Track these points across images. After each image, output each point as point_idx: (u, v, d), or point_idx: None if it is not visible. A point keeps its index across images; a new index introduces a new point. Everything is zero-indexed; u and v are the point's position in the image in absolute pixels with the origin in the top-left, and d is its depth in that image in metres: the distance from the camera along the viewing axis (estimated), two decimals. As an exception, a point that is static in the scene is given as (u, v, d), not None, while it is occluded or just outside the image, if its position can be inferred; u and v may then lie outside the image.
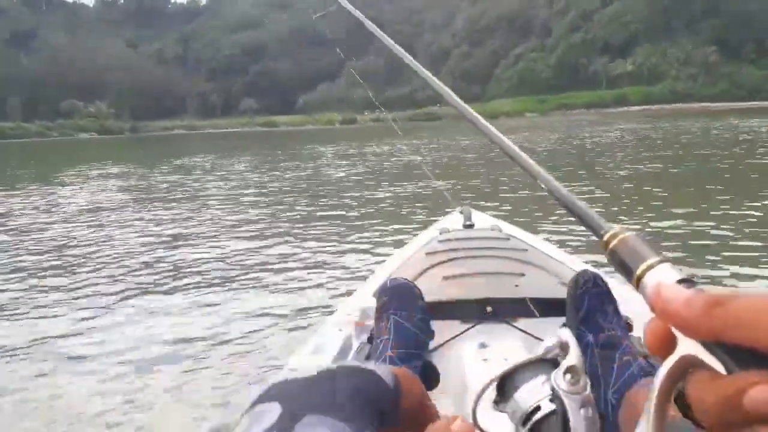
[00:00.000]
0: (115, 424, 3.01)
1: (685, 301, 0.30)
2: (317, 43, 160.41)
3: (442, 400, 1.69)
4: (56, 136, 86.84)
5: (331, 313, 2.32)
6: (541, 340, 2.47)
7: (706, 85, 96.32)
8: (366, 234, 7.49)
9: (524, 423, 0.43)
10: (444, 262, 2.50)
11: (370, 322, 1.89)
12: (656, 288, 0.33)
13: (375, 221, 8.39)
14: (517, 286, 2.24)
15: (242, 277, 5.68)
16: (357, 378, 0.31)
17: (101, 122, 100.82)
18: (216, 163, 21.55)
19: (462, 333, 2.04)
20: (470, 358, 1.88)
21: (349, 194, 11.31)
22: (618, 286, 1.60)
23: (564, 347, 0.44)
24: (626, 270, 0.37)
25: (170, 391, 3.34)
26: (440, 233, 2.98)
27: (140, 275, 5.96)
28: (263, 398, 0.29)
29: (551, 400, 0.42)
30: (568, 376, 0.41)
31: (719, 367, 0.29)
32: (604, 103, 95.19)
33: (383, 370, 0.32)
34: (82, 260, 6.73)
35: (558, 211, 7.99)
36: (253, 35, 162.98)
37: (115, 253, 6.99)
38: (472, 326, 2.06)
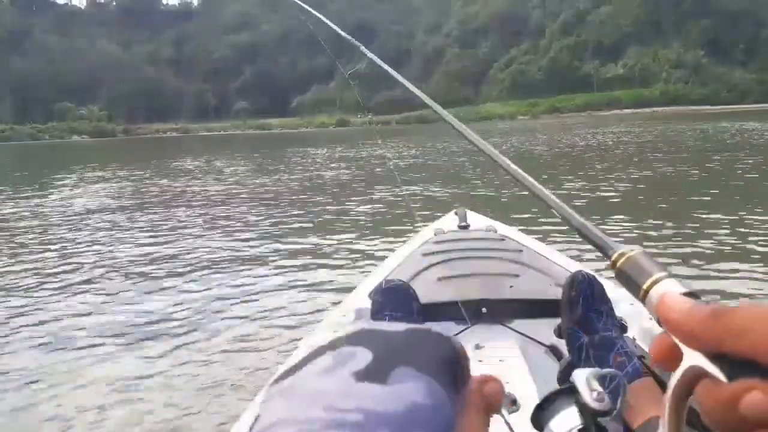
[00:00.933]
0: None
1: (687, 311, 0.32)
2: (310, 44, 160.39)
3: None
4: (48, 138, 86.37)
5: (326, 314, 2.33)
6: (536, 341, 2.52)
7: (696, 88, 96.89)
8: (362, 235, 7.49)
9: None
10: (439, 263, 2.52)
11: None
12: (660, 299, 0.35)
13: (371, 222, 8.39)
14: (511, 287, 2.25)
15: (235, 281, 5.67)
16: (444, 341, 0.31)
17: (94, 124, 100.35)
18: (210, 167, 21.50)
19: (457, 334, 2.05)
20: None
21: (344, 196, 11.31)
22: (612, 287, 1.61)
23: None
24: (634, 286, 0.39)
25: (162, 391, 3.34)
26: (435, 234, 2.99)
27: (130, 279, 5.95)
28: (349, 341, 0.27)
29: (580, 431, 0.45)
30: (595, 393, 0.46)
31: (722, 377, 0.30)
32: (596, 106, 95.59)
33: (456, 340, 0.31)
34: (69, 265, 6.71)
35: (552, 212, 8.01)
36: (246, 37, 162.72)
37: (102, 256, 6.97)
38: (467, 327, 2.07)
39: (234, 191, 13.03)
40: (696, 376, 0.31)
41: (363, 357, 0.27)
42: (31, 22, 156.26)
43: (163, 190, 13.80)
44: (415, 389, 0.25)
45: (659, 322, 0.34)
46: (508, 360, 1.88)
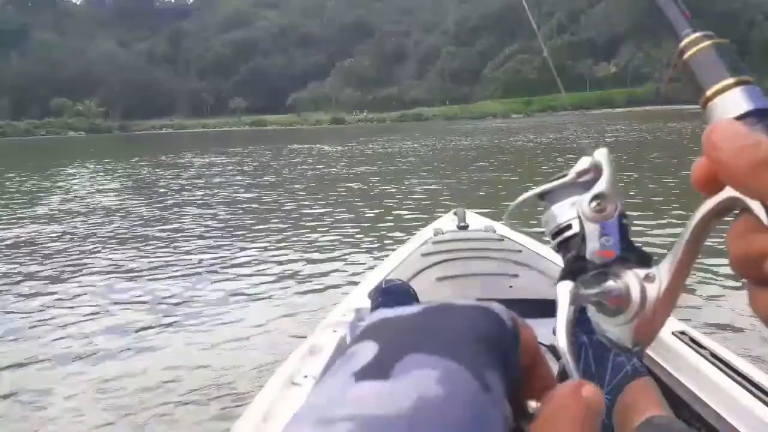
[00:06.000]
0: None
1: (735, 150, 0.26)
2: (307, 41, 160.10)
3: None
4: (44, 134, 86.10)
5: (326, 314, 2.37)
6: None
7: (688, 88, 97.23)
8: (362, 234, 7.54)
9: (554, 237, 0.43)
10: (438, 263, 2.56)
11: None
12: (713, 124, 0.28)
13: (371, 221, 8.44)
14: (511, 287, 2.30)
15: (233, 279, 5.72)
16: (470, 313, 0.25)
17: (90, 121, 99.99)
18: (208, 162, 21.48)
19: None
20: None
21: (342, 194, 11.34)
22: None
23: (598, 170, 0.41)
24: (696, 88, 0.32)
25: (157, 387, 3.40)
26: (435, 234, 3.03)
27: (139, 284, 5.99)
28: (356, 340, 0.24)
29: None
30: (594, 203, 0.39)
31: (765, 220, 0.26)
32: (589, 105, 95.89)
33: (498, 308, 0.26)
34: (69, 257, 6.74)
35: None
36: (243, 34, 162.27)
37: (99, 255, 7.01)
38: None
39: (232, 188, 13.05)
40: (734, 206, 0.28)
41: (367, 352, 0.23)
42: (27, 19, 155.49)
43: (162, 186, 13.81)
44: (422, 379, 0.20)
45: (703, 145, 0.28)
46: None
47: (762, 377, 1.36)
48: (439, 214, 3.91)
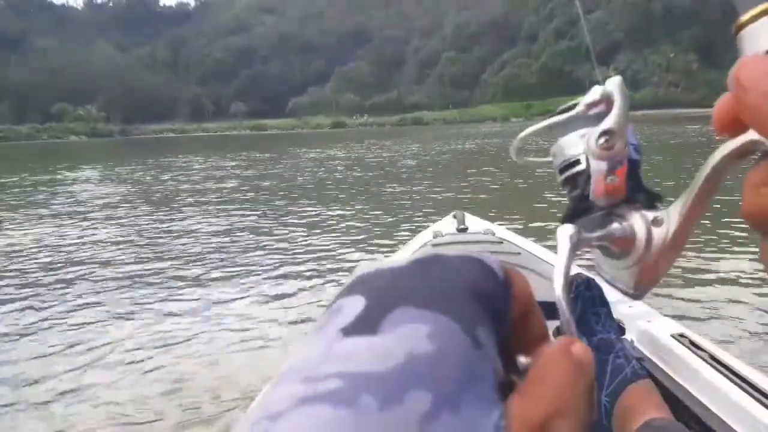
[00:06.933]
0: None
1: (763, 93, 0.23)
2: (306, 47, 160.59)
3: None
4: (46, 138, 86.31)
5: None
6: None
7: (686, 92, 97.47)
8: (361, 237, 7.55)
9: (561, 172, 0.41)
10: None
11: None
12: (742, 59, 0.25)
13: (370, 224, 8.45)
14: None
15: (233, 283, 5.73)
16: (462, 266, 0.24)
17: (91, 125, 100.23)
18: (209, 167, 21.50)
19: None
20: None
21: (341, 197, 11.35)
22: (610, 289, 1.59)
23: (610, 102, 0.39)
24: (732, 12, 0.27)
25: (164, 395, 3.42)
26: (434, 236, 3.04)
27: (146, 284, 6.01)
28: (343, 294, 0.23)
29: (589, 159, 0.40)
30: (602, 139, 0.37)
31: None
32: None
33: (492, 261, 0.24)
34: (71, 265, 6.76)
35: (549, 211, 8.10)
36: (243, 40, 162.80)
37: (101, 255, 7.03)
38: None
39: (232, 193, 13.06)
40: (756, 149, 0.26)
41: (355, 305, 0.22)
42: (28, 25, 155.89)
43: (168, 188, 13.82)
44: (412, 335, 0.20)
45: (729, 80, 0.24)
46: None
47: (762, 380, 1.38)
48: (438, 217, 3.92)
